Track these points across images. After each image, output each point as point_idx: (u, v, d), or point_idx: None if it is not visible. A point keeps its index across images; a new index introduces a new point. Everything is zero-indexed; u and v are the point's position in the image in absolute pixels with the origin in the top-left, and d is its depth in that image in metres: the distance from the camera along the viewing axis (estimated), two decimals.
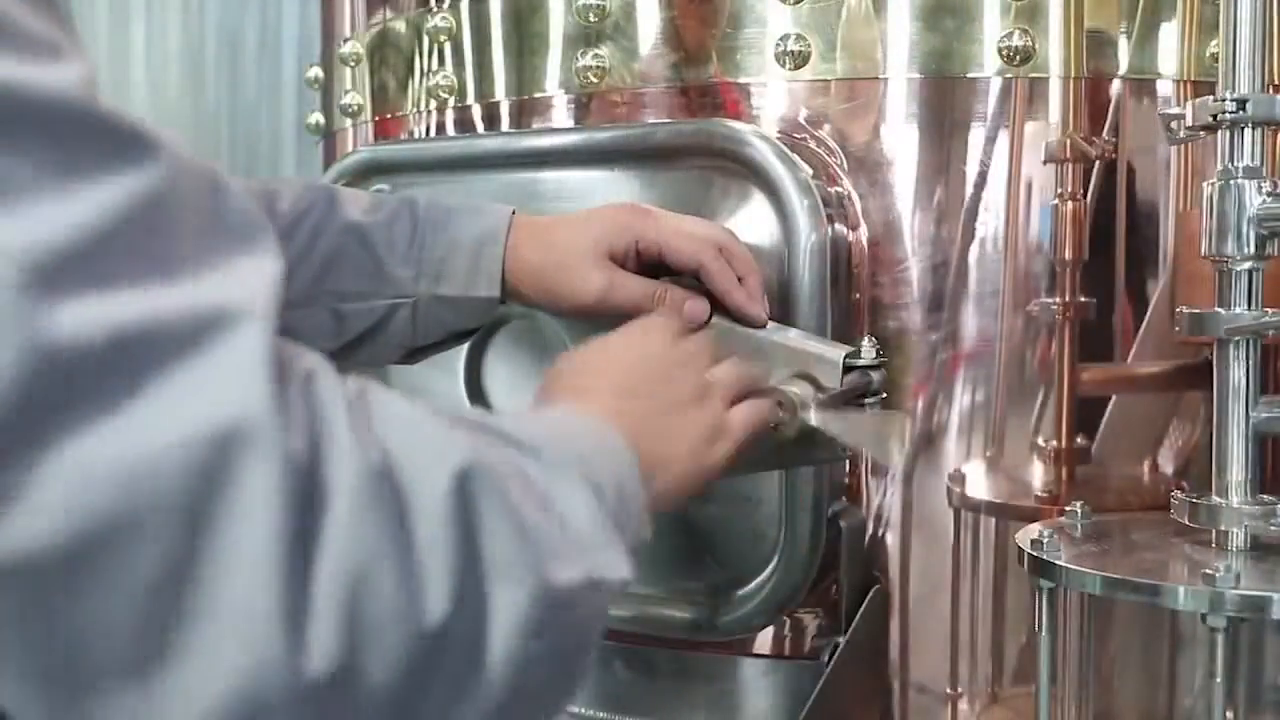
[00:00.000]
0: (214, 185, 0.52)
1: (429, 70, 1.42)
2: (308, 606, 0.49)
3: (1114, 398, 1.23)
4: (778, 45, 1.20)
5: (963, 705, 1.22)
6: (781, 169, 1.11)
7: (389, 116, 1.50)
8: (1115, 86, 1.20)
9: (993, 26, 1.17)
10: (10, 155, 0.44)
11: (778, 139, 1.15)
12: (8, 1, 0.45)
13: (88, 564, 0.45)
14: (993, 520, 1.21)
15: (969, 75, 1.18)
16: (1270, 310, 0.99)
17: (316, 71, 1.70)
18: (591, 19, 1.26)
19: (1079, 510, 1.10)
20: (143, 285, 0.46)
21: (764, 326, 1.03)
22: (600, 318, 1.02)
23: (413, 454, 0.56)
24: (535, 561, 0.60)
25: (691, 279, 1.04)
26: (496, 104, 1.37)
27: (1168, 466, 1.24)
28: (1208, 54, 1.19)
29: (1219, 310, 1.00)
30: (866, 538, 1.20)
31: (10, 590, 0.44)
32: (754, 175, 1.12)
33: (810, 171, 1.13)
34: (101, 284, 0.45)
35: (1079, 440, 1.20)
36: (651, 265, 1.03)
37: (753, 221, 1.13)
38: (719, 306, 1.03)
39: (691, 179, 1.17)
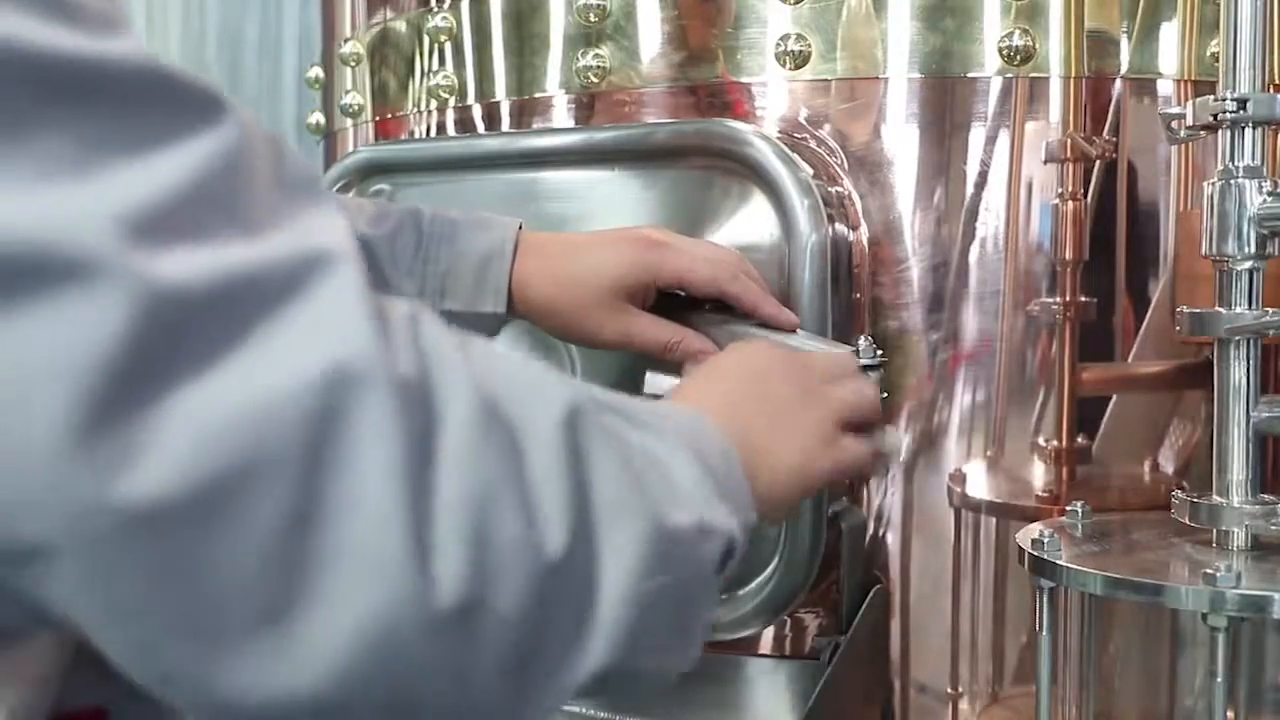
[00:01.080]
0: (276, 143, 0.53)
1: (429, 70, 1.42)
2: (432, 539, 0.49)
3: (1114, 397, 1.23)
4: (778, 45, 1.20)
5: (963, 705, 1.22)
6: (782, 169, 1.11)
7: (389, 116, 1.50)
8: (1116, 86, 1.20)
9: (993, 26, 1.17)
10: (97, 122, 0.44)
11: (778, 139, 1.15)
12: None
13: (215, 512, 0.45)
14: (993, 520, 1.21)
15: (969, 75, 1.18)
16: (1271, 310, 0.99)
17: (317, 71, 1.70)
18: (592, 19, 1.26)
19: (1079, 510, 1.10)
20: (236, 236, 0.47)
21: (796, 330, 1.05)
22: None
23: (520, 393, 0.57)
24: (645, 502, 0.60)
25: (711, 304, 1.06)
26: (497, 104, 1.37)
27: (1168, 466, 1.24)
28: (1208, 53, 1.19)
29: (1219, 310, 1.00)
30: (867, 537, 1.20)
31: (141, 545, 0.44)
32: (754, 175, 1.12)
33: (810, 171, 1.13)
34: (198, 237, 0.46)
35: (1080, 440, 1.20)
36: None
37: (753, 221, 1.13)
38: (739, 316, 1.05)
39: (692, 179, 1.17)
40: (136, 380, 0.43)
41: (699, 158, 1.16)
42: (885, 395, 1.06)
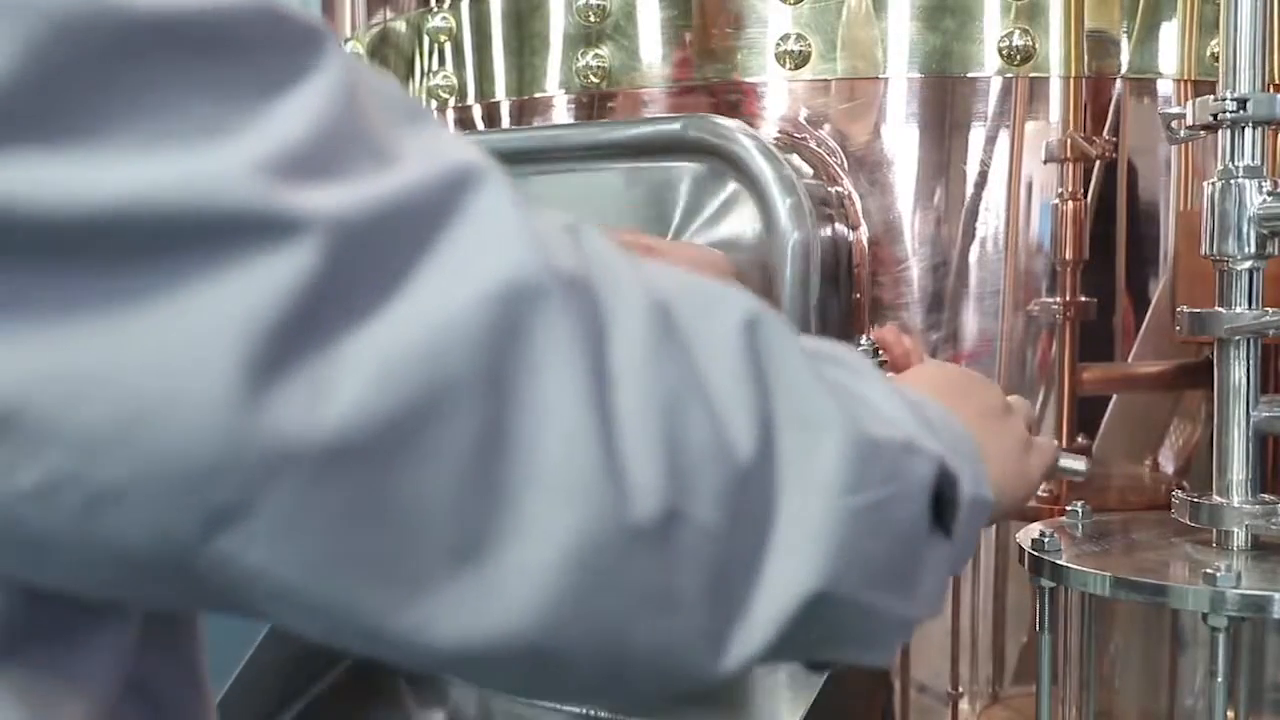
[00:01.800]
0: (372, 68, 0.51)
1: (429, 70, 1.42)
2: (624, 450, 0.47)
3: (1115, 397, 1.23)
4: (778, 45, 1.20)
5: (964, 705, 1.22)
6: (765, 166, 1.10)
7: None
8: (1116, 86, 1.20)
9: (993, 26, 1.17)
10: (223, 72, 0.43)
11: (777, 138, 1.15)
12: None
13: (403, 444, 0.43)
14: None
15: (969, 75, 1.18)
16: (1271, 310, 0.99)
17: None
18: (592, 19, 1.27)
19: (1080, 510, 1.10)
20: (376, 165, 0.45)
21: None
22: None
23: (694, 297, 0.54)
24: (841, 410, 0.56)
25: None
26: (497, 104, 1.37)
27: (1168, 466, 1.24)
28: (1208, 53, 1.19)
29: (1220, 310, 1.00)
30: None
31: (332, 487, 0.43)
32: (738, 172, 1.11)
33: (797, 170, 1.12)
34: (343, 172, 0.44)
35: (1080, 440, 1.20)
36: None
37: (736, 219, 1.13)
38: None
39: (674, 176, 1.16)
40: (312, 324, 0.42)
41: (683, 155, 1.15)
42: None
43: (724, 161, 1.12)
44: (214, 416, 0.40)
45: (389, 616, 0.45)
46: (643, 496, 0.47)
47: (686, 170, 1.16)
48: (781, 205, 1.08)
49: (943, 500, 0.63)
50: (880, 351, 1.04)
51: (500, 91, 1.36)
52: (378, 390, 0.43)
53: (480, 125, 1.39)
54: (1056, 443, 1.00)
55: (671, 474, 0.49)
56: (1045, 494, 1.20)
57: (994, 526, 1.20)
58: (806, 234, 1.08)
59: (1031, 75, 1.18)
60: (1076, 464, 1.01)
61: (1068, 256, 1.18)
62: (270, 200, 0.41)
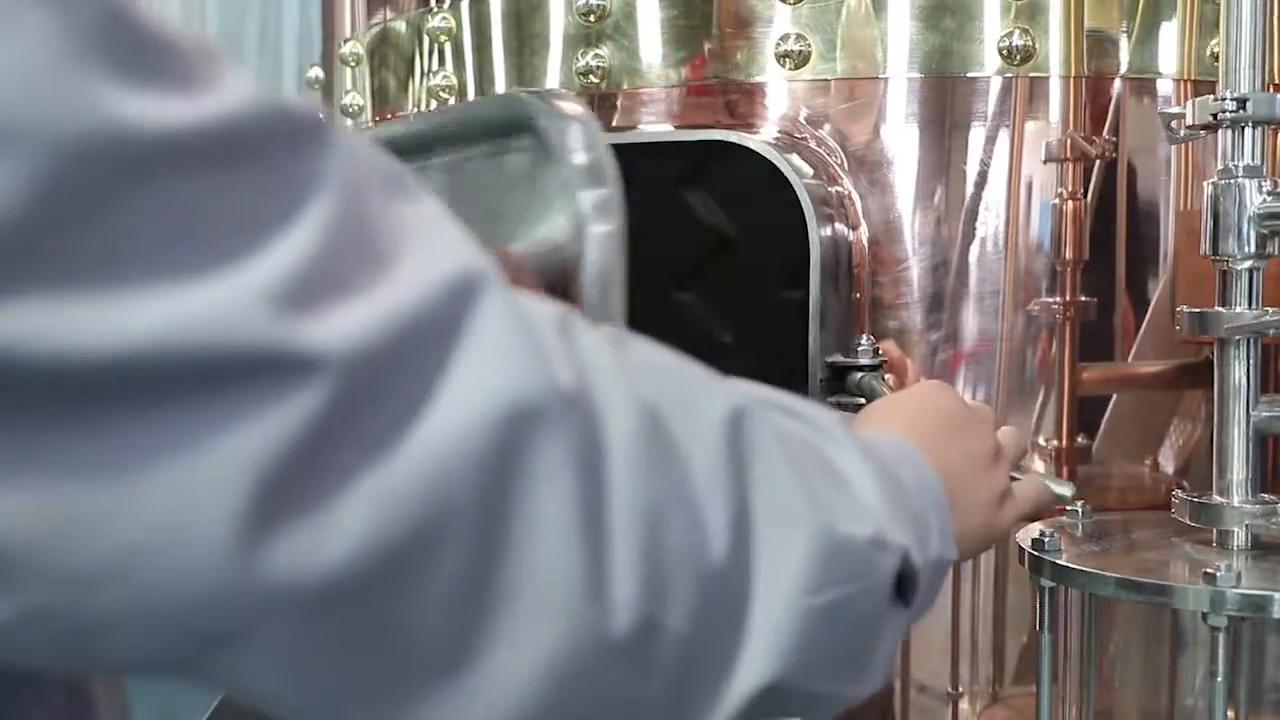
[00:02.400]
0: (364, 142, 0.49)
1: (429, 70, 1.42)
2: (607, 564, 0.48)
3: (1115, 397, 1.23)
4: (778, 45, 1.20)
5: (964, 705, 1.22)
6: (578, 146, 0.94)
7: (389, 117, 1.50)
8: (1116, 86, 1.20)
9: (993, 26, 1.17)
10: (223, 193, 0.40)
11: (778, 138, 1.15)
12: (160, 34, 0.40)
13: (398, 578, 0.43)
14: None
15: (969, 75, 1.18)
16: (1271, 309, 0.99)
17: (317, 72, 1.70)
18: (591, 19, 1.27)
19: (1080, 509, 1.10)
20: (378, 276, 0.43)
21: None
22: None
23: (680, 395, 0.54)
24: (815, 508, 0.58)
25: None
26: None
27: (1169, 466, 1.24)
28: (1208, 53, 1.19)
29: (1220, 309, 1.00)
30: None
31: (327, 621, 0.43)
32: (547, 155, 0.97)
33: (798, 170, 1.12)
34: (349, 289, 0.42)
35: (1080, 439, 1.20)
36: None
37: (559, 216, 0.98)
38: None
39: (507, 168, 1.02)
40: (319, 464, 0.41)
41: (502, 140, 0.97)
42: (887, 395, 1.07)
43: (537, 143, 0.98)
44: (213, 559, 0.40)
45: None
46: (622, 612, 0.48)
47: (520, 160, 1.02)
48: (586, 198, 0.93)
49: (905, 576, 0.64)
50: (880, 352, 1.04)
51: (500, 91, 1.36)
52: (379, 526, 0.42)
53: None
54: (1041, 478, 0.98)
55: (650, 585, 0.50)
56: None
57: None
58: (614, 225, 0.93)
59: (1031, 75, 1.18)
60: (1063, 489, 1.00)
61: (1068, 256, 1.18)
62: (283, 336, 0.40)
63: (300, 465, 0.40)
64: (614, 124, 1.29)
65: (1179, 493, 1.05)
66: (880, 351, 1.04)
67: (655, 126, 1.28)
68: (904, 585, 0.64)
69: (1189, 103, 1.04)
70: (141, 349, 0.38)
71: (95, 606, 0.39)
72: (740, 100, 1.23)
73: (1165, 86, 1.21)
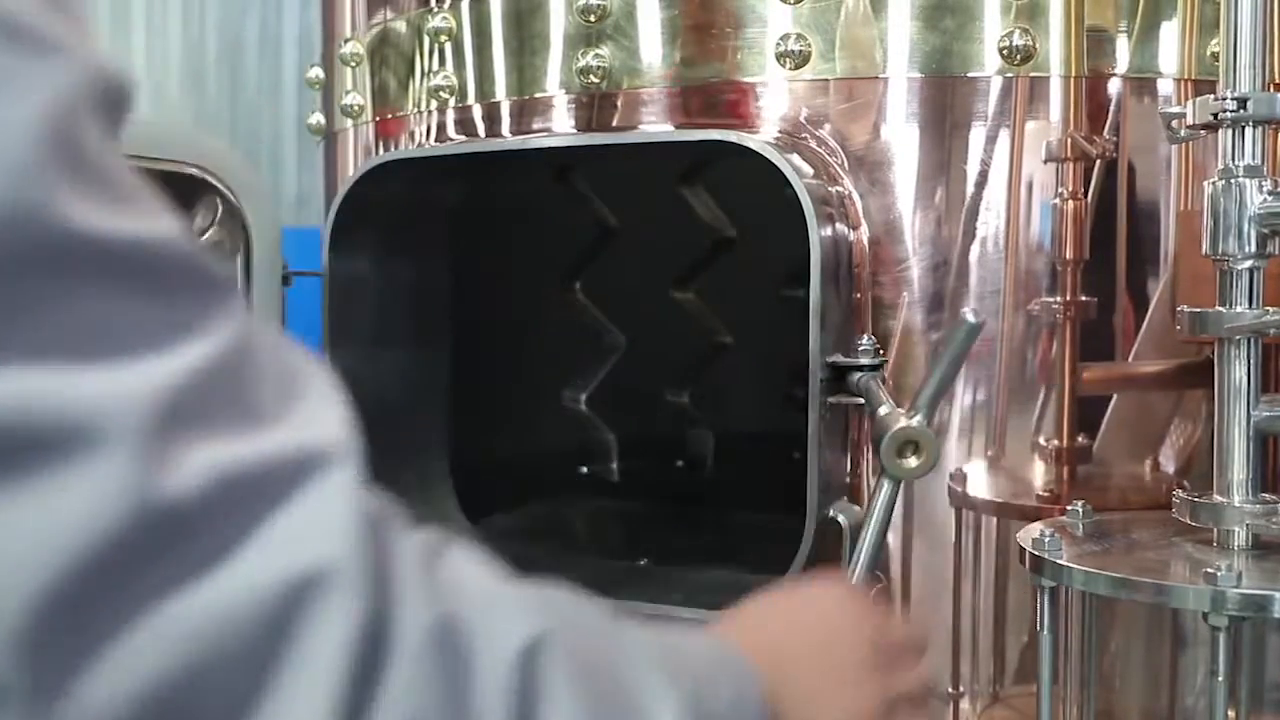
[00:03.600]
0: (277, 330, 0.53)
1: (429, 70, 1.42)
2: None
3: (1115, 397, 1.23)
4: (778, 45, 1.20)
5: (964, 704, 1.22)
6: (230, 171, 0.82)
7: (390, 117, 1.50)
8: (1116, 85, 1.20)
9: (993, 26, 1.17)
10: (134, 301, 0.45)
11: (778, 138, 1.15)
12: (113, 165, 0.46)
13: (159, 715, 0.45)
14: (994, 520, 1.21)
15: (969, 75, 1.18)
16: (1271, 309, 0.99)
17: (317, 72, 1.70)
18: (592, 19, 1.27)
19: (1080, 509, 1.10)
20: (245, 426, 0.47)
21: None
22: None
23: (482, 618, 0.55)
24: None
25: None
26: (497, 104, 1.37)
27: (1169, 465, 1.24)
28: (1208, 53, 1.19)
29: (1220, 309, 1.00)
30: None
31: None
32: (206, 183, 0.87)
33: (799, 170, 1.12)
34: (213, 427, 0.46)
35: (1080, 439, 1.20)
36: None
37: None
38: None
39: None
40: (115, 577, 0.43)
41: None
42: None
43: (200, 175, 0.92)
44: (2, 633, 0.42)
45: None
46: None
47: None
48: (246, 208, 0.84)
49: None
50: (881, 352, 1.04)
51: (500, 91, 1.36)
52: (151, 662, 0.44)
53: (480, 126, 1.39)
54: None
55: None
56: (1046, 493, 1.21)
57: (995, 526, 1.21)
58: (276, 234, 0.84)
59: (1031, 75, 1.18)
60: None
61: (1068, 256, 1.18)
62: (124, 438, 0.43)
63: (94, 575, 0.43)
64: (614, 124, 1.30)
65: (1179, 492, 1.05)
66: (881, 352, 1.04)
67: (655, 126, 1.28)
68: None
69: (1189, 102, 1.04)
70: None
71: None
72: (740, 100, 1.23)
73: (1165, 86, 1.21)
